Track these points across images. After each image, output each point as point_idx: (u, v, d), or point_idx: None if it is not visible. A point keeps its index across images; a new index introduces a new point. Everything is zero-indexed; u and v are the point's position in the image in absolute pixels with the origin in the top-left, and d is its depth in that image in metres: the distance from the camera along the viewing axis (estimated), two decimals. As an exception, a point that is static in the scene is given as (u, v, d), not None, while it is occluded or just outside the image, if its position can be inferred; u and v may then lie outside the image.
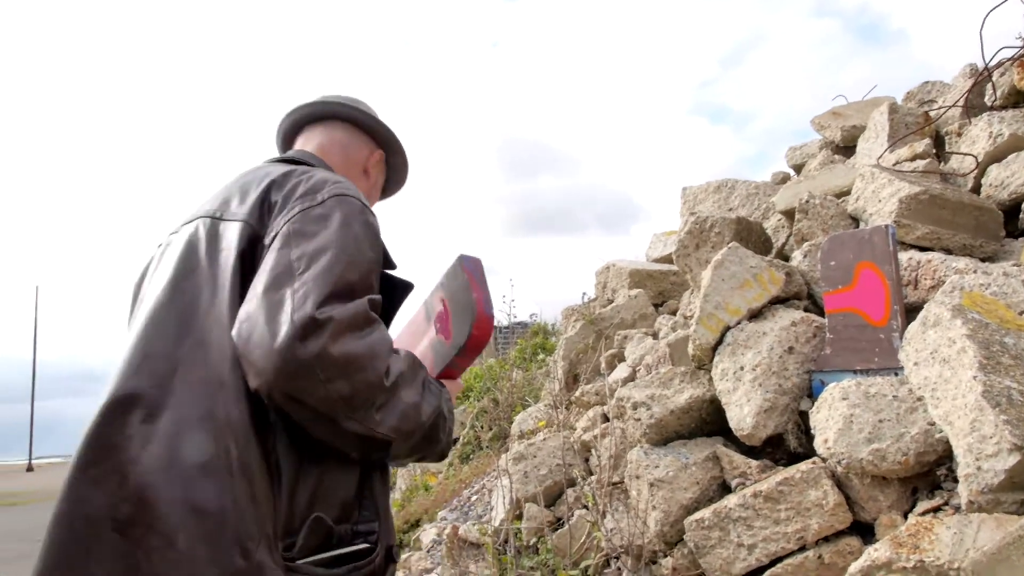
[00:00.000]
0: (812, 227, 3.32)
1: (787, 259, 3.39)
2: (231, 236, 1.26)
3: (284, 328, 1.07)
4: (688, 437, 2.92)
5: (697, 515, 2.54)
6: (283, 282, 1.13)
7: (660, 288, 4.81)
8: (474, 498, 4.41)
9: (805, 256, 3.11)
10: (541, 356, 7.14)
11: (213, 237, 1.28)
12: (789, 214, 3.90)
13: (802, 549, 2.32)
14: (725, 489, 2.71)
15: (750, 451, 2.74)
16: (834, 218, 3.30)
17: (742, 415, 2.64)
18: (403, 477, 6.66)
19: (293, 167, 1.39)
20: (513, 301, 9.78)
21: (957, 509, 2.01)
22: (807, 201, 3.36)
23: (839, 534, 2.29)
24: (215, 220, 1.31)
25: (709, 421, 2.93)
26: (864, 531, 2.29)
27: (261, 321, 1.10)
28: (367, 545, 1.21)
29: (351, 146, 1.61)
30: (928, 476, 2.20)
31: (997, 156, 3.16)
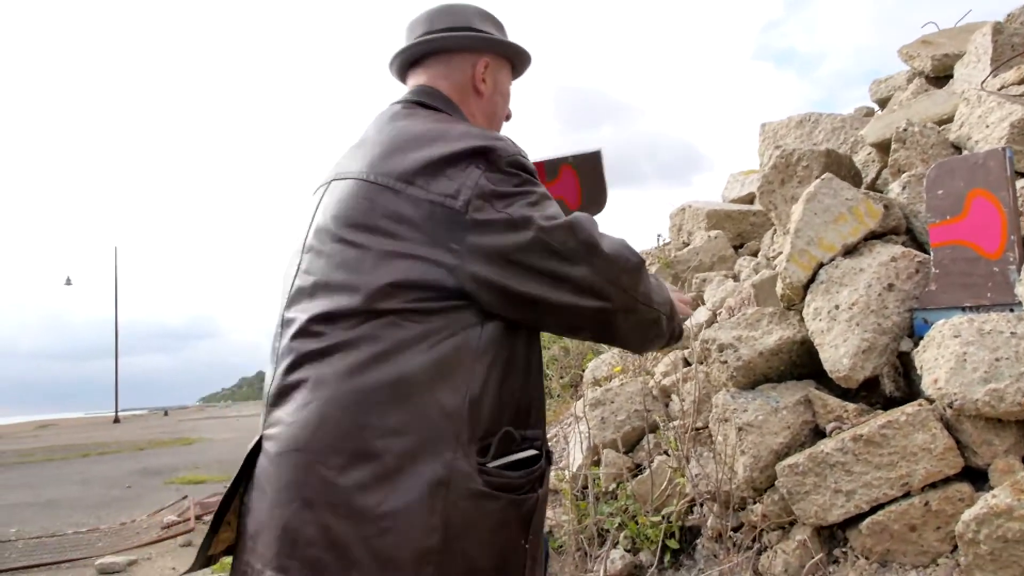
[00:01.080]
0: (910, 157, 3.10)
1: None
2: (375, 197, 1.27)
3: (589, 264, 1.21)
4: (777, 380, 2.79)
5: (790, 460, 2.43)
6: (539, 238, 1.20)
7: (739, 229, 4.61)
8: (549, 444, 4.37)
9: (904, 188, 2.90)
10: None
11: (359, 198, 1.28)
12: (881, 147, 3.66)
13: (907, 496, 2.19)
14: (818, 434, 2.58)
15: (843, 394, 2.60)
16: (935, 147, 3.07)
17: (837, 356, 2.49)
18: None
19: (422, 124, 1.35)
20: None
21: (1088, 453, 1.86)
22: (905, 130, 3.13)
23: (948, 480, 2.16)
24: (363, 183, 1.30)
25: (799, 363, 2.79)
26: (975, 477, 2.15)
27: (568, 271, 1.20)
28: (535, 451, 1.27)
29: (451, 75, 1.52)
30: (1050, 419, 2.04)
31: (1122, 73, 2.88)
